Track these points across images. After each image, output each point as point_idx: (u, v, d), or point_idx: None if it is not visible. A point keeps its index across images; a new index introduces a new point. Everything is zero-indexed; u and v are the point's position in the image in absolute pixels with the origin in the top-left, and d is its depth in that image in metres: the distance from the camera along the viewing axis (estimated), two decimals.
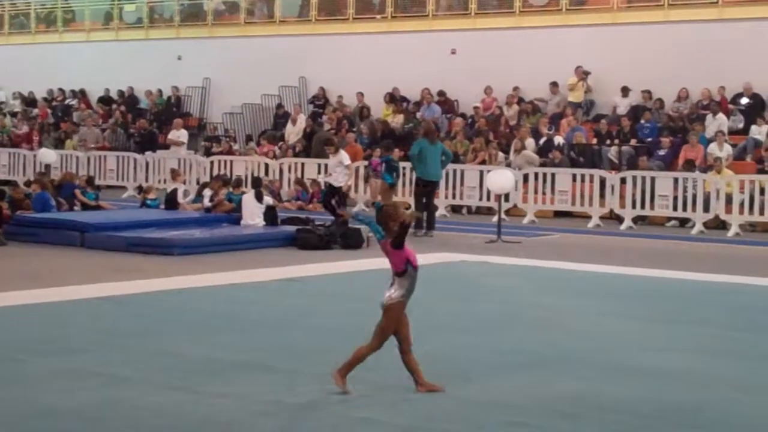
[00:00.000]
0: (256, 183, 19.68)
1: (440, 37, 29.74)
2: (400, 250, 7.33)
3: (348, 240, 17.06)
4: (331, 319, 10.64)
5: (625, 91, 26.83)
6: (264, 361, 8.53)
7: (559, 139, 25.67)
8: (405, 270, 7.35)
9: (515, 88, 28.20)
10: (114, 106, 34.73)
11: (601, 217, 22.43)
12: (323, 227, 17.55)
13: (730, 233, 20.78)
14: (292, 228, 17.81)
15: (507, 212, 22.73)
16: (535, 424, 6.82)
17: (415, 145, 20.17)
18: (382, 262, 13.57)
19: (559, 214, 23.62)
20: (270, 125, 31.65)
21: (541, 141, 25.81)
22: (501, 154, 25.51)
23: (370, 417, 6.90)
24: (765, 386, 8.05)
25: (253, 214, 18.35)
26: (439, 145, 20.41)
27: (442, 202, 24.13)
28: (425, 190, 20.00)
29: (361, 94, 30.21)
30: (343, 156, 19.75)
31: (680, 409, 7.30)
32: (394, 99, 29.71)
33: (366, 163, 24.57)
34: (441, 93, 29.33)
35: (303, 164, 26.38)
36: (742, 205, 21.22)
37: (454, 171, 24.08)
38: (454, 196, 24.33)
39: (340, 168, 19.57)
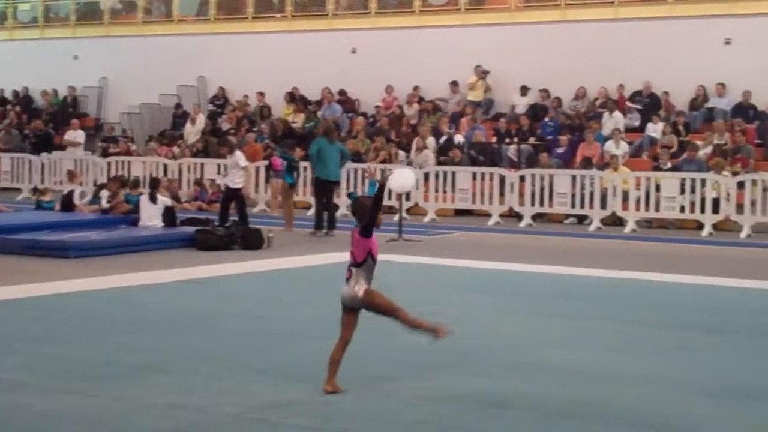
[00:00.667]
0: (153, 184, 19.36)
1: (340, 36, 29.69)
2: (367, 239, 7.31)
3: (248, 241, 16.90)
4: (231, 320, 10.51)
5: (524, 90, 27.11)
6: (162, 363, 8.39)
7: (459, 138, 25.83)
8: (364, 260, 7.32)
9: (416, 88, 28.29)
10: (8, 106, 33.98)
11: (501, 215, 22.61)
12: (223, 228, 17.37)
13: (627, 229, 21.12)
14: (191, 229, 17.59)
15: (408, 211, 22.79)
16: (440, 422, 6.81)
17: (314, 145, 20.07)
18: (282, 263, 13.48)
19: (459, 212, 23.76)
20: (169, 125, 31.25)
21: (442, 140, 25.94)
22: (402, 153, 25.57)
23: (267, 419, 6.82)
24: (664, 379, 8.14)
25: (151, 216, 18.07)
26: (338, 145, 20.33)
27: (343, 201, 24.09)
28: (324, 189, 19.91)
29: (261, 94, 30.01)
30: (239, 157, 19.47)
31: (582, 403, 7.34)
32: (294, 98, 29.59)
33: (267, 162, 24.40)
34: (342, 92, 29.30)
35: (202, 164, 26.13)
36: (638, 201, 21.57)
37: (356, 170, 24.08)
38: None
39: (235, 169, 19.31)
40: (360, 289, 7.33)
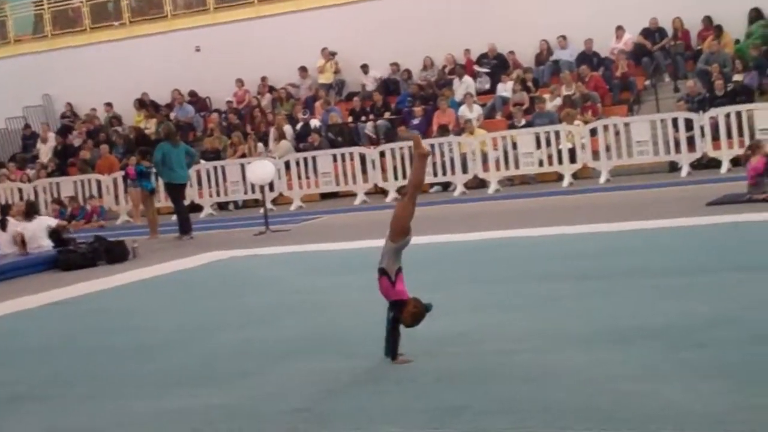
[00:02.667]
0: (3, 210, 18.84)
1: (182, 36, 29.32)
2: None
3: (112, 254, 16.55)
4: (101, 338, 10.25)
5: (365, 68, 27.10)
6: (34, 391, 8.13)
7: (315, 122, 25.78)
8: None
9: (263, 78, 28.12)
10: None
11: (367, 193, 22.65)
12: (85, 245, 16.98)
13: (490, 190, 21.38)
14: (52, 250, 17.13)
15: (274, 202, 22.69)
16: (317, 409, 6.74)
17: (158, 151, 19.64)
18: (148, 272, 13.17)
19: (325, 196, 23.76)
20: (19, 148, 30.44)
21: (298, 126, 25.86)
22: (260, 145, 25.40)
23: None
24: (537, 331, 8.21)
25: (7, 243, 17.54)
26: (182, 146, 19.95)
27: (207, 200, 23.89)
28: (174, 193, 19.59)
29: (109, 105, 29.45)
30: None
31: (461, 367, 7.36)
32: (144, 104, 29.11)
33: (123, 173, 23.97)
34: (192, 93, 28.95)
35: (58, 183, 25.54)
36: (497, 161, 21.83)
37: (216, 168, 23.90)
38: (218, 194, 24.09)
39: None
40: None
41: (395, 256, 7.66)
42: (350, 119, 26.00)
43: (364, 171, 22.78)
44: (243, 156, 24.75)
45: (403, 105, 25.88)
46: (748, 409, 5.75)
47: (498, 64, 26.00)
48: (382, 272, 7.64)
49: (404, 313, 7.56)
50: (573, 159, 21.19)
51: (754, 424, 5.52)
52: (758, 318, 7.88)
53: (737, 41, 23.71)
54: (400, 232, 7.66)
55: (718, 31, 23.69)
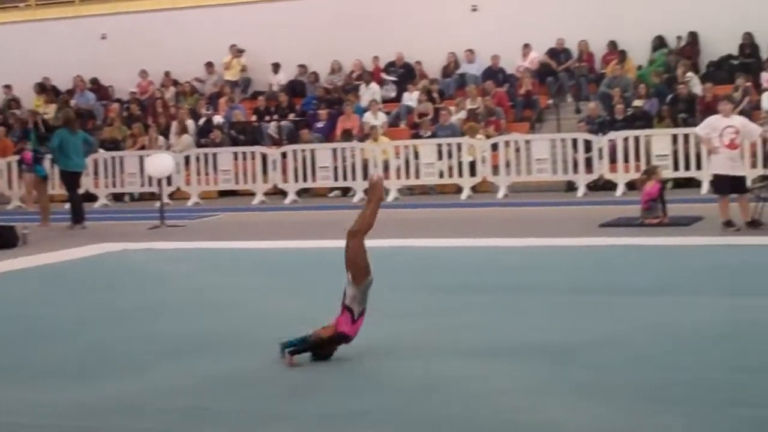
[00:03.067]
0: None
1: (89, 22, 28.81)
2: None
3: (1, 239, 16.12)
4: None
5: (276, 67, 27.03)
6: None
7: (218, 119, 25.56)
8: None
9: (167, 73, 27.82)
10: None
11: (266, 193, 22.55)
12: None
13: (390, 198, 21.40)
14: None
15: (171, 196, 22.46)
16: (201, 407, 6.66)
17: (56, 137, 19.26)
18: (37, 260, 12.87)
19: (223, 193, 23.59)
20: None
21: (201, 121, 25.62)
22: (161, 138, 25.10)
23: (18, 422, 6.53)
24: (429, 343, 8.23)
25: None
26: (81, 134, 19.60)
27: (102, 191, 23.54)
28: (69, 181, 19.24)
29: (8, 87, 28.83)
30: None
31: (345, 372, 7.35)
32: (44, 89, 28.55)
33: (18, 157, 23.47)
34: (94, 80, 28.50)
35: None
36: (398, 170, 21.91)
37: (113, 158, 23.57)
38: (114, 184, 23.76)
39: None
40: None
41: (362, 298, 7.71)
42: (254, 118, 25.84)
43: (264, 171, 22.67)
44: (142, 148, 24.43)
45: (308, 107, 25.82)
46: (624, 429, 5.84)
47: (405, 73, 26.11)
48: (347, 308, 7.66)
49: (332, 344, 7.61)
50: (473, 172, 21.36)
51: None
52: (643, 341, 8.01)
53: (640, 67, 24.18)
54: (361, 275, 7.73)
55: (622, 56, 24.12)
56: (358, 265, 7.72)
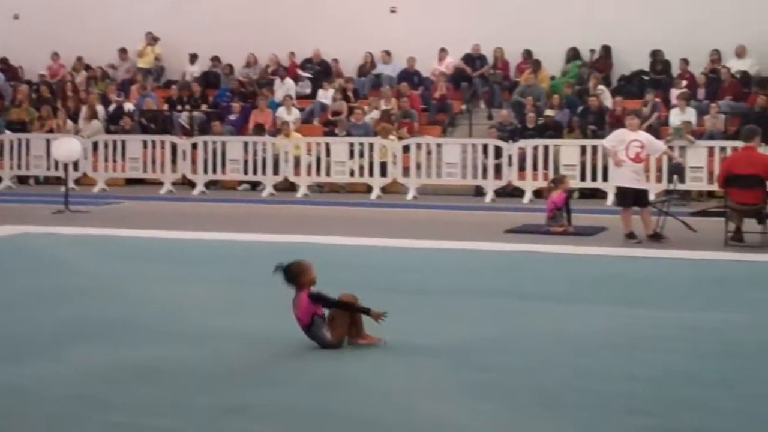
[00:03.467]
0: None
1: (2, 1, 28.24)
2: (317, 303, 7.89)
3: None
4: None
5: (193, 57, 26.81)
6: None
7: (129, 106, 25.26)
8: (312, 321, 7.86)
9: (79, 58, 27.42)
10: None
11: (174, 183, 22.33)
12: None
13: (299, 194, 21.37)
14: None
15: (77, 181, 22.17)
16: (96, 395, 6.56)
17: None
18: None
19: (131, 181, 23.31)
20: None
21: (111, 108, 25.30)
22: (70, 122, 24.71)
23: None
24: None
25: None
26: None
27: (7, 172, 23.12)
28: None
29: None
30: None
31: (246, 368, 7.31)
32: None
33: None
34: (3, 60, 27.97)
35: None
36: (309, 166, 21.86)
37: (20, 140, 23.18)
38: (20, 167, 23.34)
39: None
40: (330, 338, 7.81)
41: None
42: (166, 107, 25.58)
43: (173, 161, 22.45)
44: (50, 131, 24.02)
45: (221, 99, 25.63)
46: None
47: (321, 71, 26.08)
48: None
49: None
50: (384, 173, 21.40)
51: None
52: (542, 346, 8.08)
53: (553, 77, 24.47)
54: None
55: (536, 65, 24.38)
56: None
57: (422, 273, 11.83)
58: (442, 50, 25.26)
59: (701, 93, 22.75)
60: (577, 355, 7.79)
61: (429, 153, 21.43)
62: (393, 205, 19.90)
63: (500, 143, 20.99)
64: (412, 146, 21.53)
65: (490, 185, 20.77)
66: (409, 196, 20.95)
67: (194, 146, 22.42)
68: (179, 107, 25.29)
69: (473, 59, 25.24)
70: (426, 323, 8.95)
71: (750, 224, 14.17)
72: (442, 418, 6.14)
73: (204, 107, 25.27)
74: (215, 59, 26.73)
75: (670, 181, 17.28)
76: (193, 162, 22.33)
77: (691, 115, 21.49)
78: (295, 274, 7.98)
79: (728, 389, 6.83)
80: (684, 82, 22.96)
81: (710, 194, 19.65)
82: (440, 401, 6.51)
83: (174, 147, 22.50)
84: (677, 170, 17.90)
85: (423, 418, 6.16)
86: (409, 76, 25.22)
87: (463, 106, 24.58)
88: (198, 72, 26.73)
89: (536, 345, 8.14)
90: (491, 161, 20.79)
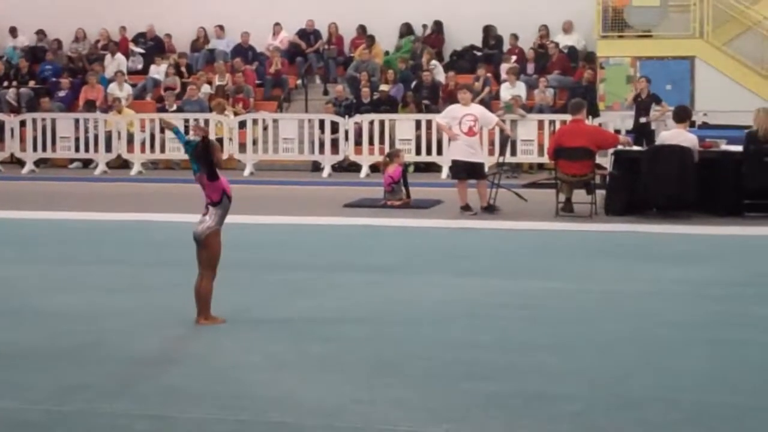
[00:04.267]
0: None
1: None
2: (215, 181, 7.70)
3: None
4: None
5: (13, 31, 26.01)
6: None
7: None
8: (220, 200, 7.74)
9: None
10: None
11: (2, 162, 21.71)
12: None
13: (133, 172, 21.01)
14: None
15: None
16: None
17: None
18: None
19: None
20: None
21: None
22: None
23: None
24: (159, 317, 8.16)
25: None
26: None
27: None
28: None
29: None
30: None
31: (83, 346, 7.19)
32: None
33: None
34: None
35: None
36: (143, 143, 21.51)
37: None
38: None
39: None
40: (208, 227, 7.73)
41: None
42: None
43: (1, 139, 21.80)
44: None
45: (44, 74, 24.92)
46: (360, 402, 5.97)
47: (154, 46, 25.61)
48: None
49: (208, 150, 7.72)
50: (221, 149, 21.17)
51: (361, 417, 5.73)
52: (381, 317, 8.21)
53: (387, 53, 24.63)
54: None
55: (371, 40, 24.49)
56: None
57: (261, 249, 11.82)
58: (276, 25, 25.13)
59: (530, 68, 23.27)
60: (415, 325, 7.93)
61: (265, 128, 21.32)
62: (231, 182, 19.58)
63: (337, 118, 21.05)
64: (248, 122, 21.39)
65: (328, 160, 20.82)
66: (246, 172, 20.82)
67: (22, 123, 21.80)
68: (5, 83, 24.50)
69: (308, 34, 25.19)
70: (266, 298, 8.97)
71: (579, 195, 14.61)
72: (283, 391, 6.17)
73: (32, 83, 24.55)
74: (40, 33, 25.97)
75: (501, 153, 17.66)
76: (22, 140, 21.71)
77: (521, 89, 21.96)
78: (200, 152, 7.72)
79: (563, 355, 7.07)
80: (513, 57, 23.43)
81: (540, 166, 20.17)
82: (281, 374, 6.54)
83: (1, 124, 21.82)
84: (506, 142, 18.30)
85: (262, 390, 6.18)
86: (244, 51, 25.01)
87: (299, 82, 24.53)
88: (22, 46, 25.91)
89: (376, 316, 8.25)
90: (328, 136, 20.84)
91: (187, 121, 21.39)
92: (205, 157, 7.69)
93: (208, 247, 7.76)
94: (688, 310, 8.54)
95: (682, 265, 10.69)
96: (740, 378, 6.54)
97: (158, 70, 24.51)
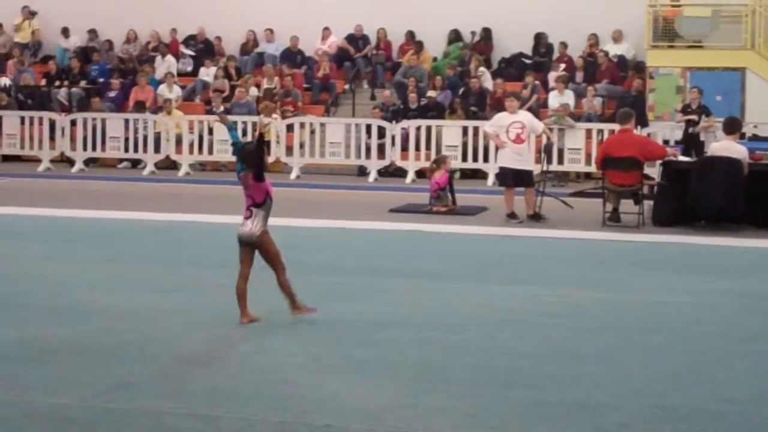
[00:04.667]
0: None
1: None
2: (261, 182, 7.82)
3: None
4: None
5: (66, 32, 26.28)
6: None
7: (6, 81, 24.61)
8: (264, 201, 7.89)
9: None
10: None
11: (52, 160, 21.91)
12: None
13: (181, 173, 21.15)
14: None
15: None
16: None
17: None
18: None
19: (7, 158, 22.74)
20: None
21: None
22: None
23: None
24: (203, 312, 8.21)
25: None
26: None
27: None
28: None
29: None
30: None
31: (130, 344, 7.25)
32: None
33: None
34: None
35: None
36: (191, 145, 21.65)
37: None
38: None
39: None
40: (258, 228, 7.88)
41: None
42: (44, 83, 25.02)
43: (52, 138, 22.01)
44: None
45: (98, 75, 25.16)
46: (402, 407, 5.98)
47: (204, 48, 25.78)
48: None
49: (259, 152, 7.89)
50: (267, 152, 21.27)
51: (404, 422, 5.74)
52: (427, 322, 8.20)
53: (435, 59, 24.63)
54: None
55: (419, 46, 24.50)
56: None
57: (307, 252, 11.84)
58: (325, 29, 25.21)
59: (579, 76, 23.18)
60: (460, 331, 7.93)
61: (312, 132, 21.40)
62: (277, 185, 19.35)
63: (383, 123, 21.07)
64: (295, 125, 21.47)
65: (374, 165, 20.86)
66: (293, 175, 20.90)
67: (73, 123, 22.01)
68: (58, 83, 24.77)
69: (356, 39, 25.25)
70: (311, 300, 8.94)
71: (627, 205, 14.53)
72: (328, 393, 6.20)
73: (83, 83, 24.80)
74: (92, 32, 26.23)
75: (547, 161, 17.58)
76: (72, 139, 21.93)
77: (569, 97, 21.88)
78: (248, 153, 7.88)
79: (608, 365, 7.03)
80: (562, 66, 23.35)
81: (588, 175, 20.07)
82: (326, 376, 6.57)
83: (52, 123, 22.05)
84: (550, 150, 18.18)
85: (306, 392, 6.21)
86: (292, 55, 25.11)
87: (347, 86, 24.59)
88: (74, 47, 26.18)
89: (420, 321, 8.25)
90: (374, 141, 20.87)
91: (235, 123, 21.51)
92: (255, 157, 7.77)
93: (264, 248, 7.96)
94: (735, 323, 8.47)
95: (730, 278, 10.61)
96: None
97: (207, 73, 24.65)
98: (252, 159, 7.80)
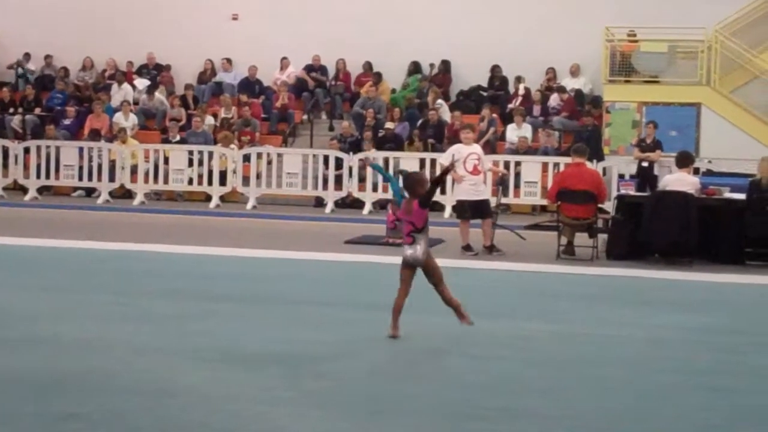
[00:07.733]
0: None
1: None
2: (425, 209, 8.51)
3: None
4: None
5: (27, 57, 26.14)
6: None
7: None
8: (424, 226, 8.56)
9: None
10: None
11: (5, 188, 21.72)
12: None
13: (136, 202, 21.02)
14: None
15: None
16: None
17: None
18: None
19: None
20: None
21: None
22: None
23: None
24: (160, 348, 8.11)
25: None
26: None
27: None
28: None
29: None
30: None
31: (75, 375, 7.14)
32: None
33: None
34: None
35: None
36: (147, 174, 21.53)
37: None
38: None
39: None
40: (423, 253, 8.51)
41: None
42: None
43: (5, 165, 21.82)
44: None
45: (54, 103, 25.00)
46: None
47: (157, 74, 25.72)
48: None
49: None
50: (223, 182, 21.24)
51: None
52: (379, 354, 8.15)
53: (394, 90, 24.70)
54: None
55: (378, 78, 24.57)
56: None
57: (261, 282, 11.78)
58: (284, 59, 25.23)
59: (536, 110, 23.32)
60: (411, 363, 7.88)
61: (269, 162, 21.36)
62: (232, 215, 19.76)
63: (341, 154, 21.07)
64: (252, 155, 21.42)
65: (331, 196, 20.83)
66: (249, 205, 20.83)
67: (27, 150, 21.84)
68: (12, 110, 24.58)
69: (315, 69, 25.29)
70: (263, 331, 8.92)
71: (581, 238, 14.57)
72: (276, 425, 6.12)
73: (37, 110, 24.62)
74: (48, 57, 26.09)
75: (504, 194, 17.63)
76: (26, 167, 21.75)
77: (527, 130, 22.00)
78: (414, 181, 8.67)
79: (558, 398, 7.01)
80: (519, 99, 23.48)
81: (543, 208, 20.15)
82: (274, 407, 6.48)
83: (5, 150, 21.87)
84: (502, 183, 18.23)
85: (254, 423, 6.12)
86: (251, 84, 25.11)
87: (305, 117, 24.60)
88: (36, 73, 26.05)
89: (371, 353, 8.20)
90: (332, 172, 20.86)
91: (191, 152, 21.45)
92: (427, 186, 8.59)
93: (431, 267, 8.60)
94: (685, 357, 8.48)
95: (682, 312, 10.64)
96: (735, 426, 6.48)
97: (162, 100, 24.59)
98: (417, 185, 8.56)
